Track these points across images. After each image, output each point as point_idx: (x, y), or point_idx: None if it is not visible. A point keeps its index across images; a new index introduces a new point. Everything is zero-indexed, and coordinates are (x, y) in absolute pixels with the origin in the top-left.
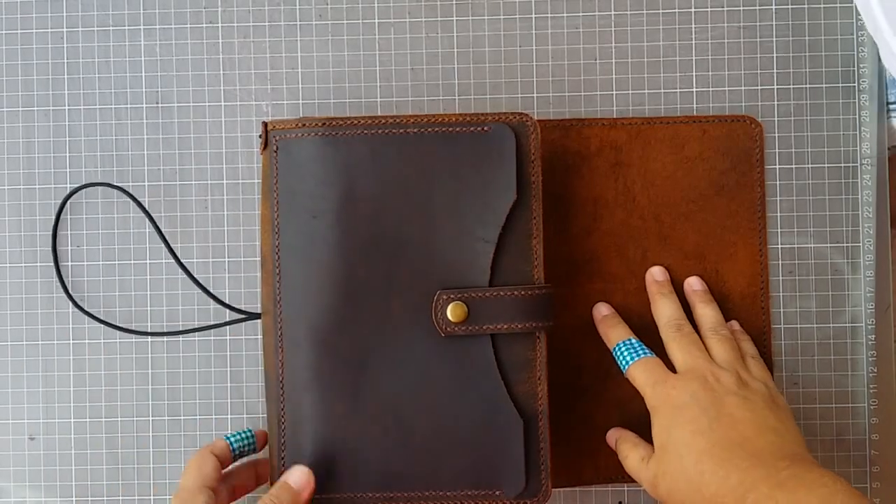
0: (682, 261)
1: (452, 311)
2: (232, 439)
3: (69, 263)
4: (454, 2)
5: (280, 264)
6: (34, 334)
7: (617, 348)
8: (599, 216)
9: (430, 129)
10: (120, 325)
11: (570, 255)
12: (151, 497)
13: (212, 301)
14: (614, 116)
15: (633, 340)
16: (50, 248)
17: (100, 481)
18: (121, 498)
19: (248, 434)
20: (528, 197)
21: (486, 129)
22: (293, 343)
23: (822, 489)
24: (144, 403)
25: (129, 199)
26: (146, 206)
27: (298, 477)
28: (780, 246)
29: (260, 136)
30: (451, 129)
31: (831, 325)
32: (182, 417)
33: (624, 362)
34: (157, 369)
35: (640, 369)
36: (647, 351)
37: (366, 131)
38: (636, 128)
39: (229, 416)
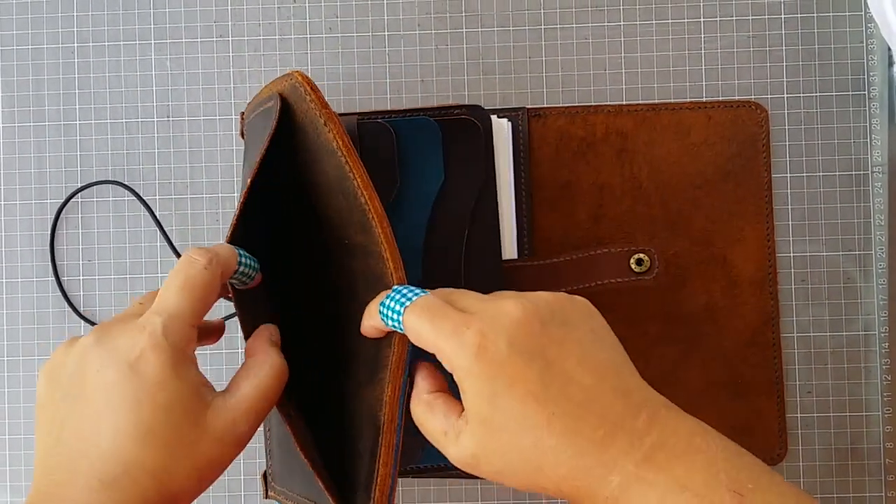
0: (690, 247)
1: None
2: (241, 251)
3: (80, 278)
4: (464, 13)
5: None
6: (46, 349)
7: (384, 306)
8: (606, 203)
9: (261, 108)
10: None
11: (579, 241)
12: None
13: (221, 308)
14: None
15: (401, 288)
16: (52, 255)
17: None
18: None
19: (255, 263)
20: (339, 166)
21: (270, 104)
22: None
23: (698, 456)
24: None
25: (139, 213)
26: (157, 218)
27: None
28: (791, 254)
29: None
30: (263, 106)
31: (844, 333)
32: None
33: (396, 315)
34: None
35: (418, 313)
36: (420, 290)
37: (251, 114)
38: (641, 114)
39: None
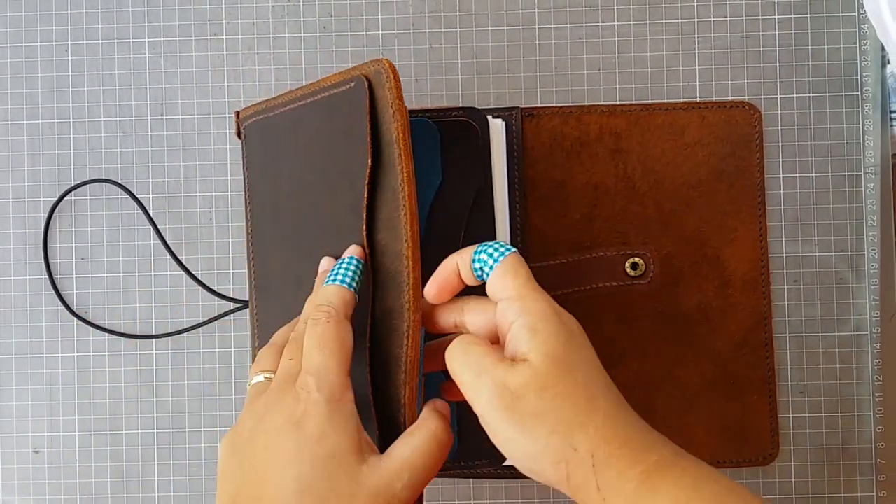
0: (684, 247)
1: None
2: (348, 279)
3: (73, 276)
4: (458, 13)
5: (253, 252)
6: (38, 347)
7: (483, 249)
8: (600, 203)
9: (318, 96)
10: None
11: (572, 241)
12: None
13: (216, 306)
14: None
15: (493, 242)
16: (45, 253)
17: (104, 494)
18: None
19: (358, 264)
20: (391, 158)
21: (351, 85)
22: (267, 331)
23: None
24: (149, 416)
25: (132, 211)
26: (151, 217)
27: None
28: (784, 255)
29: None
30: (330, 92)
31: (836, 333)
32: (187, 430)
33: (497, 255)
34: (162, 381)
35: (522, 262)
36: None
37: (282, 109)
38: (635, 114)
39: None
